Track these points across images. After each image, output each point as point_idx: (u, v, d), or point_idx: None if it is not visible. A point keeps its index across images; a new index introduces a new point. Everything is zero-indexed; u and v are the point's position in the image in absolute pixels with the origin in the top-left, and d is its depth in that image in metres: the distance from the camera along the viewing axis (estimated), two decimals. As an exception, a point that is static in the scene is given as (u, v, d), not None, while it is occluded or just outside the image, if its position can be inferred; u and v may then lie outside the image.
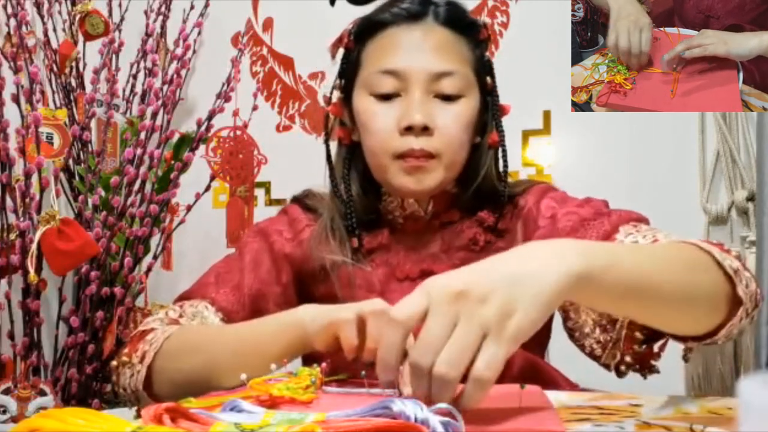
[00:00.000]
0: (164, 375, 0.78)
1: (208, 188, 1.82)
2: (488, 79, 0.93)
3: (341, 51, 0.96)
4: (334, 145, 0.98)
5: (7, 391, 1.48)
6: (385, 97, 0.88)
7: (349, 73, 0.94)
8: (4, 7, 1.64)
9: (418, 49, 0.88)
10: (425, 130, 0.86)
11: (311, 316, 0.71)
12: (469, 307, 0.48)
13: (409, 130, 0.86)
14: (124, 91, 1.95)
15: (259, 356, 0.72)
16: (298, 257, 0.95)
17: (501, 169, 0.94)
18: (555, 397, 0.64)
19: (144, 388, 0.78)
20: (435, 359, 0.48)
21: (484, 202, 0.93)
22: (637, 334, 0.67)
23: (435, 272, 0.89)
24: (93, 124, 1.75)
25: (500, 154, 0.94)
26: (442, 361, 0.47)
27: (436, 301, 0.49)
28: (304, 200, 1.00)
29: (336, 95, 0.97)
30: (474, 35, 0.92)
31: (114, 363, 0.82)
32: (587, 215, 0.85)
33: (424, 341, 0.48)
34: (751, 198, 1.54)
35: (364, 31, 0.92)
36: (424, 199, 0.93)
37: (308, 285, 0.95)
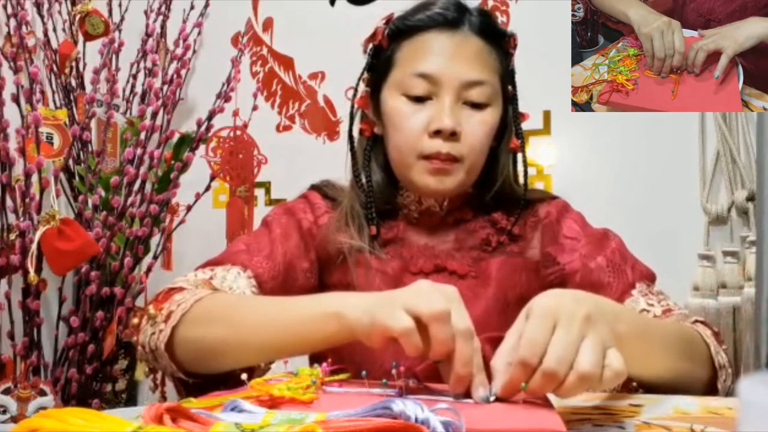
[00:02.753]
0: (189, 340, 0.75)
1: (208, 188, 1.82)
2: (510, 87, 0.97)
3: (371, 46, 0.97)
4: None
5: (7, 391, 1.48)
6: (417, 99, 0.91)
7: (379, 69, 0.96)
8: (4, 7, 1.65)
9: (453, 57, 0.90)
10: (453, 135, 0.89)
11: (356, 314, 0.64)
12: (597, 328, 0.56)
13: (437, 133, 0.88)
14: (124, 91, 1.95)
15: (299, 343, 0.70)
16: (318, 240, 0.96)
17: (520, 172, 0.99)
18: (555, 397, 0.64)
19: (166, 349, 0.75)
20: (569, 369, 0.54)
21: (498, 204, 0.97)
22: (633, 384, 0.75)
23: (448, 268, 0.93)
24: (93, 124, 1.75)
25: (520, 158, 0.99)
26: (584, 366, 0.54)
27: (567, 320, 0.56)
28: (323, 188, 1.02)
29: (363, 88, 0.98)
30: (503, 45, 0.95)
31: (135, 320, 0.80)
32: (610, 262, 0.91)
33: (559, 352, 0.55)
34: (751, 198, 1.54)
35: (400, 32, 0.94)
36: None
37: (323, 270, 0.96)
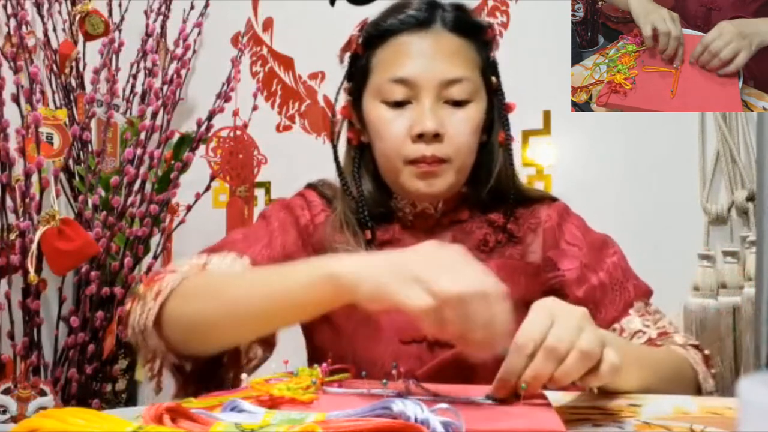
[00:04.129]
0: (177, 315, 0.73)
1: (208, 188, 1.82)
2: (493, 79, 0.94)
3: (348, 54, 0.96)
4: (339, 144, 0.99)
5: (7, 391, 1.48)
6: (397, 104, 0.89)
7: (357, 77, 0.95)
8: (4, 7, 1.65)
9: (429, 57, 0.88)
10: (436, 136, 0.87)
11: (356, 278, 0.60)
12: (594, 326, 0.60)
13: (420, 137, 0.87)
14: (124, 91, 1.95)
15: (290, 309, 0.68)
16: (315, 240, 0.95)
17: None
18: (555, 397, 0.64)
19: (154, 326, 0.73)
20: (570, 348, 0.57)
21: (495, 202, 0.95)
22: None
23: None
24: (93, 124, 1.75)
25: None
26: (584, 343, 0.57)
27: (566, 314, 0.59)
28: (319, 187, 1.01)
29: (344, 98, 0.97)
30: (480, 37, 0.93)
31: (126, 306, 0.79)
32: (612, 278, 0.92)
33: (559, 333, 0.57)
34: (751, 198, 1.53)
35: (373, 38, 0.92)
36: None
37: None
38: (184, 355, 0.76)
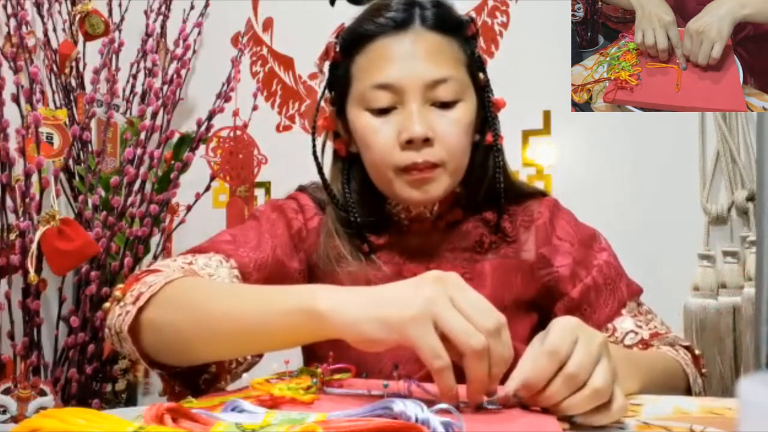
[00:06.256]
0: (154, 325, 0.70)
1: (208, 188, 1.82)
2: (481, 75, 0.91)
3: (327, 63, 0.93)
4: (319, 151, 0.97)
5: (7, 391, 1.48)
6: (382, 111, 0.86)
7: (339, 86, 0.91)
8: (4, 7, 1.64)
9: (410, 59, 0.85)
10: (426, 141, 0.84)
11: (350, 318, 0.57)
12: (611, 359, 0.58)
13: (410, 143, 0.83)
14: (124, 91, 1.95)
15: (268, 339, 0.65)
16: (308, 245, 0.93)
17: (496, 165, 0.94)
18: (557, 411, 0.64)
19: (130, 332, 0.70)
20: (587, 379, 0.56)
21: (490, 201, 0.93)
22: None
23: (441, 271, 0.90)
24: (93, 124, 1.75)
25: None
26: (598, 381, 0.56)
27: (588, 338, 0.58)
28: (311, 190, 0.99)
29: (327, 108, 0.94)
30: (463, 33, 0.90)
31: (107, 304, 0.76)
32: (606, 277, 0.91)
33: (581, 359, 0.56)
34: (751, 198, 1.54)
35: (351, 44, 0.89)
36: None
37: (311, 274, 0.93)
38: (158, 363, 0.72)
